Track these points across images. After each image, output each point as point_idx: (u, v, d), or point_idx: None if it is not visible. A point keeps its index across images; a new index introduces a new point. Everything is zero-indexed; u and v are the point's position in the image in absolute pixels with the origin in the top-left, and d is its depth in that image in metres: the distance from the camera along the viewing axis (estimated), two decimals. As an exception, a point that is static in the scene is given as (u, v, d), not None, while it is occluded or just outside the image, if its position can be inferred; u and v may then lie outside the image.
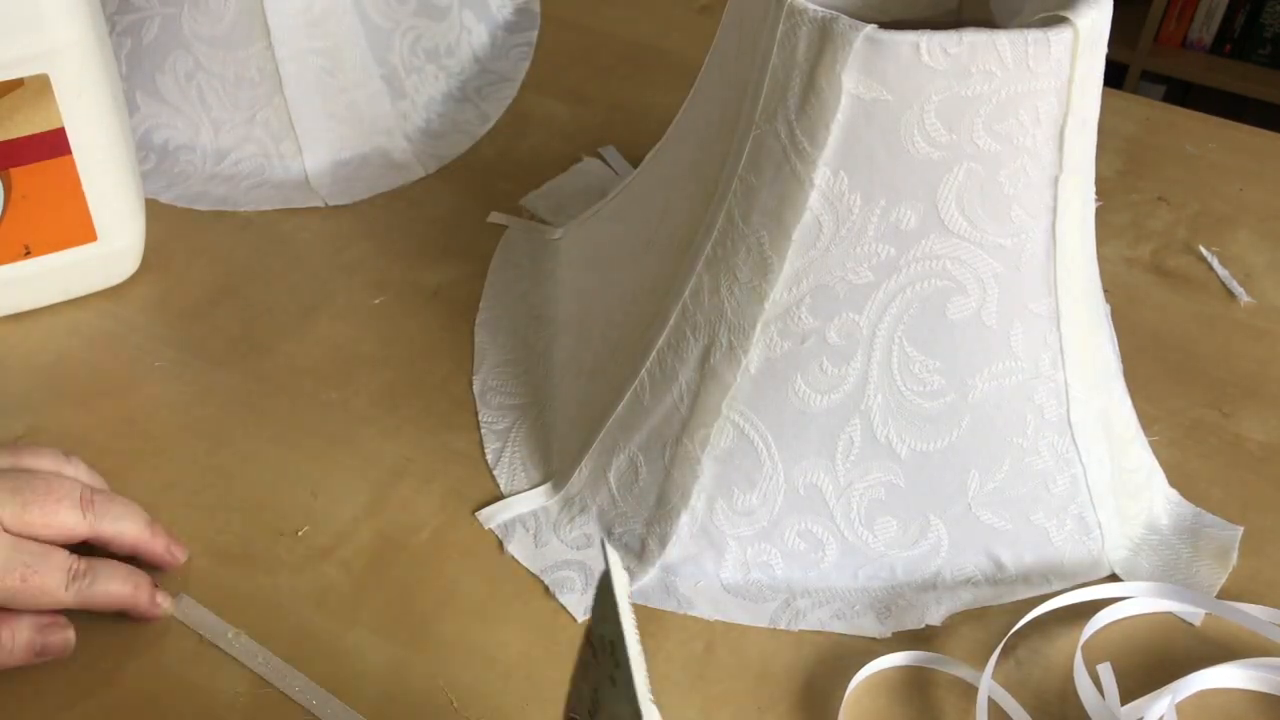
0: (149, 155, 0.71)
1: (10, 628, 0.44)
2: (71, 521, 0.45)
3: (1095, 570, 0.52)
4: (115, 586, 0.46)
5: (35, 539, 0.45)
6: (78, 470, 0.48)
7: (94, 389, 0.58)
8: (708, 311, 0.48)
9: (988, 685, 0.46)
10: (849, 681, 0.47)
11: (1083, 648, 0.48)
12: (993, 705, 0.46)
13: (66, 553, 0.45)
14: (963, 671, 0.48)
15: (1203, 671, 0.48)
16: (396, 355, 0.61)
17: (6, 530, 0.44)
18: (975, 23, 0.41)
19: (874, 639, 0.49)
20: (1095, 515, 0.51)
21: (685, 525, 0.50)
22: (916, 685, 0.48)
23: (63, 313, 0.62)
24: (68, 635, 0.45)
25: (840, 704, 0.46)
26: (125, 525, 0.47)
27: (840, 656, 0.48)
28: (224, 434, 0.56)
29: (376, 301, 0.64)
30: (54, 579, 0.44)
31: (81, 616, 0.48)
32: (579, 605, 0.49)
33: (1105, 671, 0.47)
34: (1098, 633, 0.49)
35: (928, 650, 0.48)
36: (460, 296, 0.64)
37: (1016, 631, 0.49)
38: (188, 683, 0.46)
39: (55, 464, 0.47)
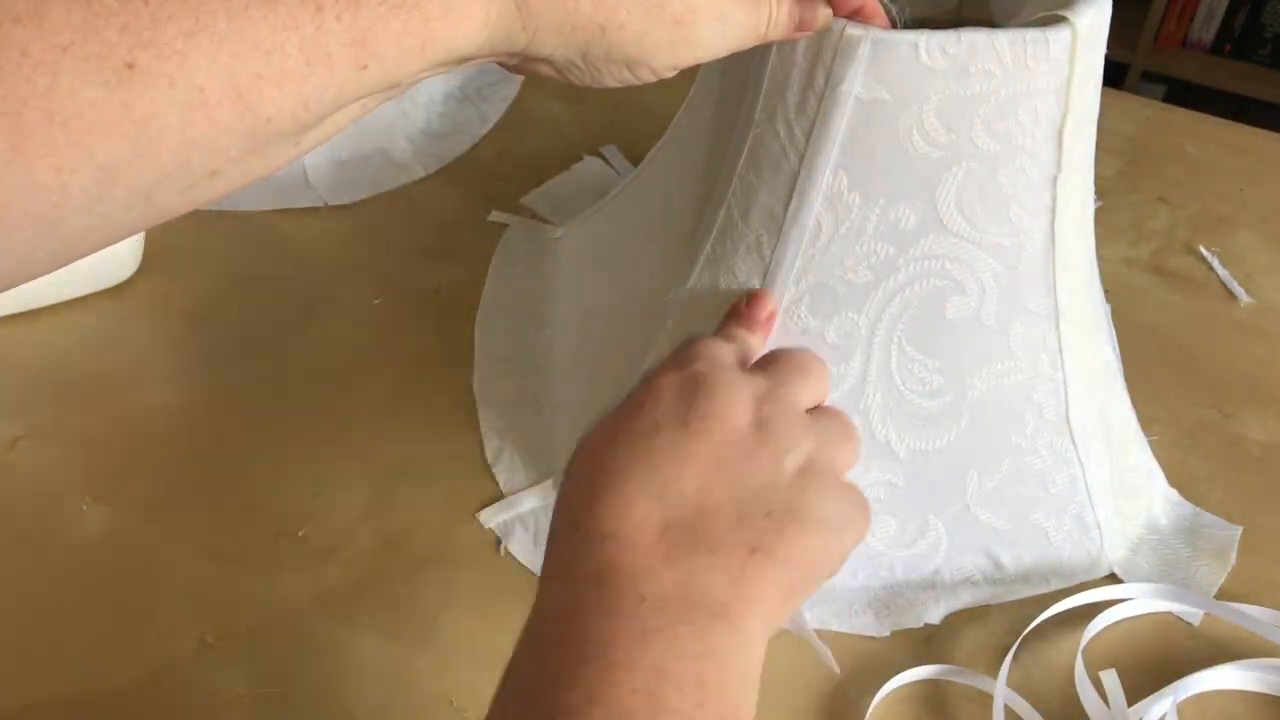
0: (149, 155, 0.71)
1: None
2: None
3: (1094, 570, 0.52)
4: None
5: None
6: None
7: (94, 389, 0.58)
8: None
9: (1003, 693, 0.46)
10: (850, 682, 0.47)
11: (1084, 650, 0.48)
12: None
13: None
14: (973, 680, 0.47)
15: (1202, 672, 0.48)
16: (396, 355, 0.61)
17: None
18: (974, 22, 0.41)
19: (876, 639, 0.49)
20: (1094, 515, 0.51)
21: (685, 525, 0.50)
22: (921, 690, 0.48)
23: (63, 313, 0.62)
24: (826, 14, 0.41)
25: (845, 707, 0.46)
26: None
27: (841, 657, 0.48)
28: (224, 434, 0.56)
29: (376, 301, 0.64)
30: None
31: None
32: (578, 605, 0.49)
33: (1110, 678, 0.47)
34: (1098, 634, 0.49)
35: (928, 650, 0.48)
36: (460, 296, 0.64)
37: (1017, 634, 0.49)
38: (188, 683, 0.46)
39: None
